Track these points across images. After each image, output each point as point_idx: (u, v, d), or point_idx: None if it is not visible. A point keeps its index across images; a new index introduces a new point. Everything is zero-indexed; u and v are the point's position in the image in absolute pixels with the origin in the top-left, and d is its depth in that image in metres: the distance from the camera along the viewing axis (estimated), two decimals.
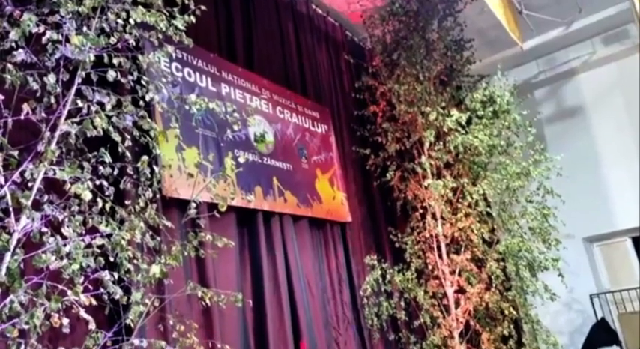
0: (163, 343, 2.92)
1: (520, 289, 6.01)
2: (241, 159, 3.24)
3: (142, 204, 3.03)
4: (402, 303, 5.73)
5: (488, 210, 6.09)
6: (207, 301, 3.21)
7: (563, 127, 8.33)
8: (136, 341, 2.86)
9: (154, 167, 3.07)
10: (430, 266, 5.91)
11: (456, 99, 6.50)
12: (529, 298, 6.15)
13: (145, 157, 2.92)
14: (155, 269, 2.87)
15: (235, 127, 3.29)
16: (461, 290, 5.79)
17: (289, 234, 4.79)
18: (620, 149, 8.01)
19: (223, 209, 3.21)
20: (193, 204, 3.15)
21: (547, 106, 8.48)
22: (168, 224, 3.10)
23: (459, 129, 5.84)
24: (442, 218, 5.93)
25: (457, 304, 5.72)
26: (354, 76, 6.55)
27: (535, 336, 5.98)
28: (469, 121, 6.01)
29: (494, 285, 5.81)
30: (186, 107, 3.48)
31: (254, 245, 4.44)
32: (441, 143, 5.96)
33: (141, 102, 3.10)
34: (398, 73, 6.03)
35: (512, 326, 5.88)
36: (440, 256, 5.87)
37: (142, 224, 2.94)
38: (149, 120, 3.10)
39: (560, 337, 6.72)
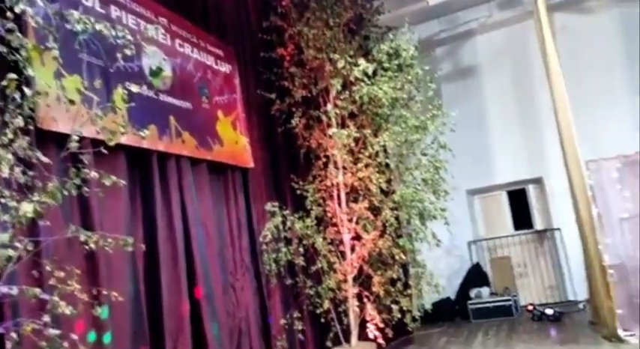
0: (37, 290, 2.52)
1: (410, 236, 6.20)
2: (134, 89, 2.78)
3: (10, 135, 2.53)
4: (301, 250, 5.67)
5: (387, 161, 6.14)
6: (92, 245, 2.82)
7: (459, 86, 8.61)
8: (4, 289, 2.45)
9: (25, 90, 2.54)
10: (329, 214, 5.88)
11: (364, 49, 6.35)
12: (417, 244, 6.40)
13: (11, 75, 2.40)
14: (26, 208, 2.43)
15: (128, 52, 2.80)
16: (357, 237, 5.85)
17: (187, 178, 4.41)
18: (503, 111, 8.48)
19: (112, 143, 2.78)
20: (75, 137, 2.68)
21: (446, 64, 8.68)
22: (44, 158, 2.62)
23: (365, 79, 5.72)
24: (344, 167, 5.88)
25: (353, 250, 5.78)
26: (262, 15, 6.09)
27: (420, 279, 6.25)
28: (375, 73, 5.90)
29: (387, 232, 5.94)
30: (68, 26, 2.93)
31: (147, 188, 4.01)
32: (347, 93, 5.82)
33: (9, 14, 2.53)
34: (308, 16, 5.71)
35: (400, 269, 6.10)
36: (339, 204, 5.85)
37: (9, 156, 2.46)
38: (19, 35, 2.55)
39: (441, 279, 7.15)
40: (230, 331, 4.65)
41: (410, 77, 6.04)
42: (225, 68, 5.23)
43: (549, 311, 7.13)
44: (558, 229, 8.00)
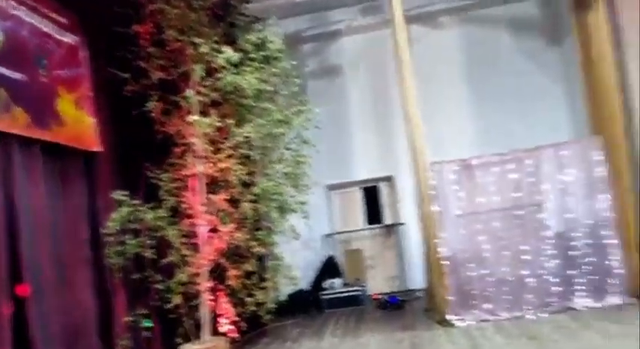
0: None
1: (269, 229, 6.14)
2: None
3: None
4: (151, 242, 5.26)
5: (249, 152, 5.99)
6: None
7: (325, 83, 8.77)
8: None
9: None
10: (185, 205, 5.55)
11: (230, 37, 6.10)
12: (275, 237, 6.36)
13: None
14: None
15: None
16: (214, 230, 5.62)
17: (16, 159, 3.80)
18: (363, 112, 8.85)
19: None
20: None
21: (313, 61, 8.79)
22: None
23: (230, 68, 5.49)
24: (204, 157, 5.59)
25: (209, 243, 5.54)
26: None
27: (277, 271, 6.22)
28: (240, 62, 5.69)
29: (246, 225, 5.80)
30: None
31: None
32: (211, 80, 5.53)
33: None
34: None
35: (257, 262, 6.01)
36: (197, 195, 5.55)
37: None
38: None
39: (297, 271, 7.22)
40: (64, 332, 4.13)
41: (276, 70, 5.94)
42: (69, 39, 4.62)
43: (392, 300, 7.63)
44: (404, 224, 8.59)
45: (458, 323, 6.12)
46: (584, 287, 6.28)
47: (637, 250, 6.21)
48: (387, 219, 9.06)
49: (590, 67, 6.68)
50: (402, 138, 7.20)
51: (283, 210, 5.93)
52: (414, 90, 6.61)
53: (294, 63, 6.11)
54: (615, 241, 6.24)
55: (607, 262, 6.23)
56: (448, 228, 6.60)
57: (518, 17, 8.39)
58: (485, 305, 6.33)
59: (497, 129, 8.08)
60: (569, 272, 6.35)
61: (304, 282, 8.43)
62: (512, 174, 6.60)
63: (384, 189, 9.11)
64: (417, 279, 8.05)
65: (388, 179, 8.95)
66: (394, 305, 7.55)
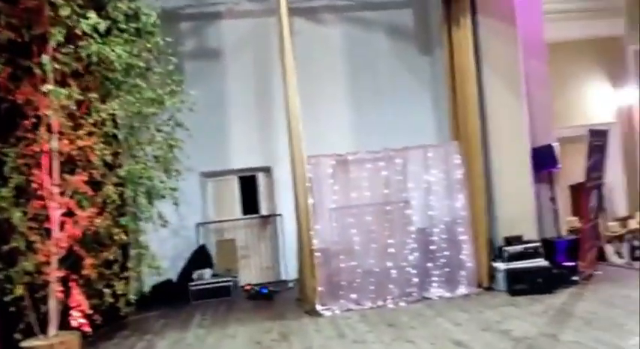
0: None
1: (134, 215, 5.63)
2: None
3: None
4: None
5: (115, 131, 5.42)
6: None
7: (203, 65, 8.33)
8: None
9: None
10: (35, 185, 4.84)
11: (97, 2, 5.43)
12: (141, 224, 5.87)
13: None
14: None
15: None
16: (69, 214, 4.98)
17: None
18: (243, 99, 8.57)
19: None
20: None
21: (190, 41, 8.29)
22: None
23: (96, 37, 4.89)
24: (60, 132, 4.92)
25: (62, 228, 4.90)
26: None
27: (141, 261, 5.75)
28: (108, 31, 5.10)
29: (108, 210, 5.24)
30: None
31: None
32: (72, 47, 4.88)
33: None
34: None
35: (119, 251, 5.49)
36: (50, 174, 4.87)
37: None
38: None
39: (165, 261, 6.78)
40: None
41: (149, 45, 5.44)
42: None
43: (263, 290, 7.52)
44: (280, 215, 8.51)
45: (325, 313, 6.19)
46: (439, 279, 6.74)
47: (485, 246, 6.81)
48: (264, 210, 8.91)
49: (454, 77, 7.17)
50: (281, 130, 7.09)
51: (152, 195, 5.47)
52: (295, 82, 6.53)
53: (170, 40, 5.64)
54: (467, 237, 6.77)
55: (460, 256, 6.75)
56: (322, 220, 6.65)
57: (395, 24, 8.75)
58: (352, 295, 6.49)
59: (371, 128, 8.34)
60: (427, 264, 6.77)
61: (173, 273, 7.97)
62: (383, 171, 6.85)
63: (261, 180, 8.95)
64: (291, 270, 8.03)
65: (266, 169, 8.80)
66: (265, 296, 7.44)
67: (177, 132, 5.71)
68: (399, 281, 6.61)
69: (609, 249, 8.29)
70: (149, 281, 6.93)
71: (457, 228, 6.80)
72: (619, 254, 8.27)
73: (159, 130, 5.67)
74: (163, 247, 7.46)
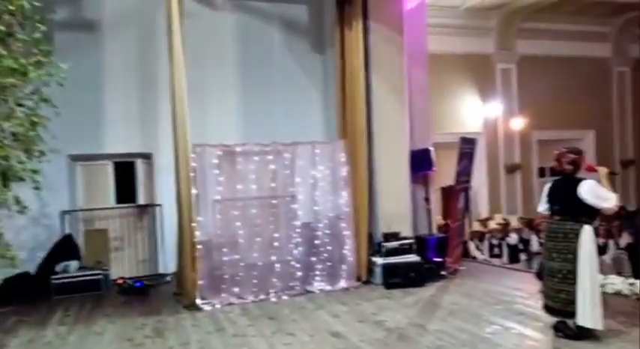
0: None
1: None
2: None
3: None
4: None
5: None
6: None
7: (76, 37, 7.52)
8: None
9: None
10: None
11: None
12: None
13: None
14: None
15: None
16: None
17: None
18: (123, 79, 7.92)
19: None
20: None
21: (63, 9, 7.44)
22: None
23: None
24: None
25: None
26: None
27: None
28: None
29: None
30: None
31: None
32: None
33: None
34: None
35: None
36: None
37: None
38: None
39: (22, 252, 6.07)
40: None
41: (12, 8, 4.75)
42: None
43: (138, 284, 7.05)
44: (160, 205, 8.03)
45: (205, 307, 5.97)
46: (321, 273, 6.87)
47: (365, 241, 7.08)
48: (142, 199, 8.34)
49: (344, 78, 7.34)
50: (165, 114, 6.69)
51: (7, 177, 4.81)
52: (183, 66, 6.20)
53: (39, 4, 4.99)
54: (349, 232, 6.99)
55: (342, 251, 6.94)
56: (205, 212, 6.41)
57: (290, 18, 8.72)
58: (234, 289, 6.35)
59: (261, 120, 8.22)
60: (311, 259, 6.86)
61: (32, 265, 7.13)
62: (271, 164, 6.79)
63: (140, 167, 8.35)
64: (169, 263, 7.60)
65: (146, 156, 8.23)
66: (139, 290, 6.97)
67: (43, 109, 5.08)
68: (283, 275, 6.62)
69: (472, 247, 9.14)
70: (1, 273, 6.09)
71: (340, 223, 6.99)
72: (480, 251, 9.15)
73: (20, 104, 4.98)
74: (21, 236, 6.67)
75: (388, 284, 6.62)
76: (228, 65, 8.33)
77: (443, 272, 7.06)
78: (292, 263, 6.72)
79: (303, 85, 8.61)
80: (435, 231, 8.13)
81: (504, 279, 6.93)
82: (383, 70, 7.44)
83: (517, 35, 11.24)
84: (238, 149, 6.66)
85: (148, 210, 8.29)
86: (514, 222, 9.67)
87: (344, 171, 7.05)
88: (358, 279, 6.96)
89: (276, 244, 6.66)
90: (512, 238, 9.14)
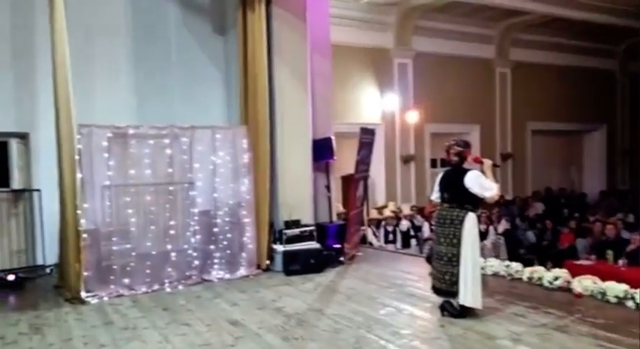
0: None
1: None
2: None
3: None
4: None
5: None
6: None
7: None
8: None
9: None
10: None
11: None
12: None
13: None
14: None
15: None
16: None
17: None
18: None
19: None
20: None
21: None
22: None
23: None
24: None
25: None
26: None
27: None
28: None
29: None
30: None
31: None
32: None
33: None
34: None
35: None
36: None
37: None
38: None
39: None
40: None
41: None
42: None
43: (10, 277, 6.37)
44: (38, 190, 7.30)
45: (91, 300, 5.57)
46: (220, 261, 6.72)
47: (266, 229, 7.05)
48: (17, 183, 7.50)
49: (246, 62, 7.20)
50: (45, 90, 6.09)
51: None
52: (66, 38, 5.67)
53: None
54: (249, 220, 6.91)
55: (242, 239, 6.85)
56: (92, 198, 5.96)
57: None
58: (124, 280, 6.00)
59: (157, 101, 7.78)
60: (209, 247, 6.68)
61: None
62: (168, 149, 6.49)
63: (15, 147, 7.49)
64: (49, 254, 6.94)
65: (22, 136, 7.41)
66: (13, 284, 6.30)
67: None
68: (179, 265, 6.37)
69: (369, 233, 9.51)
70: None
71: (241, 211, 6.88)
72: (376, 237, 9.56)
73: None
74: None
75: (288, 271, 6.67)
76: (120, 39, 7.72)
77: (341, 259, 7.26)
78: (189, 251, 6.49)
79: (203, 67, 8.28)
80: (335, 218, 8.32)
81: (397, 264, 7.30)
82: (286, 57, 7.41)
83: (414, 32, 11.80)
84: (131, 131, 6.27)
85: (24, 195, 7.49)
86: (406, 210, 10.22)
87: (245, 157, 6.95)
88: (258, 267, 6.93)
89: (172, 232, 6.39)
90: (403, 225, 9.65)
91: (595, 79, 14.98)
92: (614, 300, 4.88)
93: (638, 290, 4.78)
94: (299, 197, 7.41)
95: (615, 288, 4.94)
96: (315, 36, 7.79)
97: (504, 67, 13.42)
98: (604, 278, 5.24)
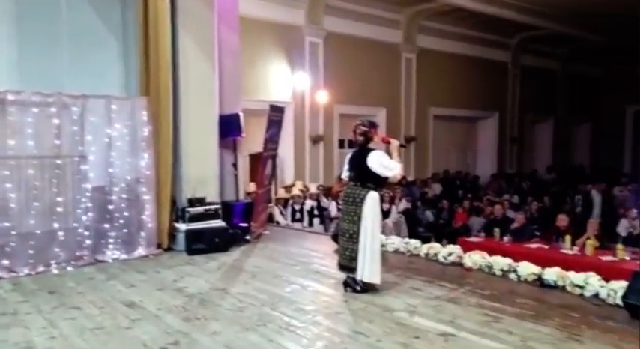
0: None
1: None
2: None
3: None
4: None
5: None
6: None
7: None
8: None
9: None
10: None
11: None
12: None
13: None
14: None
15: None
16: None
17: None
18: None
19: None
20: None
21: None
22: None
23: None
24: None
25: None
26: None
27: None
28: None
29: None
30: None
31: None
32: None
33: None
34: None
35: None
36: None
37: None
38: None
39: None
40: None
41: None
42: None
43: None
44: None
45: None
46: (116, 241, 6.32)
47: (168, 206, 6.73)
48: None
49: (147, 29, 6.74)
50: None
51: None
52: None
53: None
54: (149, 197, 6.56)
55: (141, 217, 6.49)
56: None
57: None
58: (3, 262, 5.44)
59: (42, 66, 6.98)
60: (104, 225, 6.25)
61: None
62: (55, 118, 5.93)
63: None
64: None
65: None
66: None
67: None
68: (68, 244, 5.90)
69: (277, 212, 9.48)
70: None
71: (140, 187, 6.50)
72: (283, 216, 9.55)
73: None
74: None
75: (191, 251, 6.45)
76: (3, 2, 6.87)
77: (247, 237, 7.17)
78: (80, 230, 6.03)
79: (97, 32, 7.57)
80: (244, 197, 8.17)
81: (304, 242, 7.37)
82: (191, 26, 7.04)
83: (325, 11, 11.77)
84: (11, 97, 5.63)
85: None
86: (313, 189, 10.31)
87: (145, 130, 6.55)
88: (159, 247, 6.63)
89: (59, 210, 5.88)
90: (307, 204, 9.71)
91: (490, 70, 16.05)
92: (499, 273, 5.30)
93: (519, 264, 5.22)
94: (204, 174, 7.16)
95: (500, 262, 5.36)
96: (222, 8, 7.47)
97: (410, 53, 13.89)
98: (491, 254, 5.67)
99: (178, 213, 6.84)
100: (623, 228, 8.84)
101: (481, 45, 15.55)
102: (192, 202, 6.85)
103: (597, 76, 20.19)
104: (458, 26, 14.53)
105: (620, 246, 6.96)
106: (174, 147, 6.86)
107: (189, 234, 6.54)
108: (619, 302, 4.18)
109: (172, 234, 6.74)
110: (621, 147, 19.81)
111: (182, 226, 6.67)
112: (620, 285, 4.28)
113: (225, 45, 7.64)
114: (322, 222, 9.83)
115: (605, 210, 10.97)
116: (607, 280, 4.54)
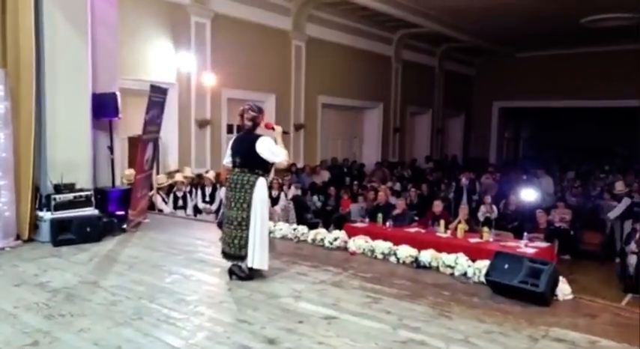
0: None
1: None
2: None
3: None
4: None
5: None
6: None
7: None
8: None
9: None
10: None
11: None
12: None
13: None
14: None
15: None
16: None
17: None
18: None
19: None
20: None
21: None
22: None
23: None
24: None
25: None
26: None
27: None
28: None
29: None
30: None
31: None
32: None
33: None
34: None
35: None
36: None
37: None
38: None
39: None
40: None
41: None
42: None
43: None
44: None
45: None
46: None
47: (29, 193, 6.01)
48: None
49: None
50: None
51: None
52: None
53: None
54: (6, 182, 5.80)
55: None
56: None
57: None
58: None
59: None
60: None
61: None
62: None
63: None
64: None
65: None
66: None
67: None
68: None
69: (159, 199, 8.97)
70: None
71: None
72: (166, 203, 9.07)
73: None
74: None
75: (57, 242, 5.84)
76: None
77: (124, 226, 6.67)
78: None
79: None
80: (120, 182, 7.59)
81: (188, 230, 7.06)
82: None
83: None
84: None
85: None
86: (188, 174, 9.90)
87: (2, 107, 5.76)
88: (18, 238, 5.90)
89: None
90: (180, 191, 9.31)
91: (375, 62, 16.67)
92: (380, 256, 5.51)
93: (399, 247, 5.48)
94: (74, 157, 6.50)
95: (382, 246, 5.58)
96: None
97: (300, 41, 13.90)
98: (374, 238, 5.89)
99: (42, 201, 6.14)
100: (481, 213, 9.80)
101: (367, 38, 16.06)
102: (59, 188, 6.19)
103: (470, 74, 22.08)
104: (346, 18, 14.84)
105: (485, 229, 7.66)
106: (37, 126, 6.12)
107: (55, 223, 5.90)
108: (483, 279, 4.55)
109: (35, 223, 6.04)
110: (488, 139, 21.93)
111: (46, 215, 6.01)
112: (484, 264, 4.67)
113: (100, 14, 6.95)
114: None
115: (471, 197, 12.00)
116: (474, 260, 4.93)
